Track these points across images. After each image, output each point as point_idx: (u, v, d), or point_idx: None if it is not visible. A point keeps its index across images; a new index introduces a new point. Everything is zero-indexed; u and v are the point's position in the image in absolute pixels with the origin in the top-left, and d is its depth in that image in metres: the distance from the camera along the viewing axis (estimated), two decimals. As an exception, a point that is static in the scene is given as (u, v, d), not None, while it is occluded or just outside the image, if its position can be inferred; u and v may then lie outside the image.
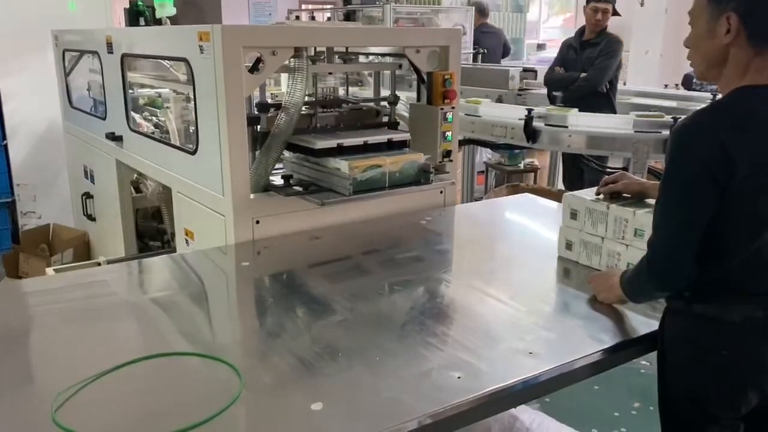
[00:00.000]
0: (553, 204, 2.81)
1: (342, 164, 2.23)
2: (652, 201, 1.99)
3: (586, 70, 4.72)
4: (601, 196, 2.07)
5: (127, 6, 3.84)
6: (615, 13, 4.77)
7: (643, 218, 1.91)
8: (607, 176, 2.12)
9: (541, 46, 10.10)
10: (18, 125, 4.70)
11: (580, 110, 4.15)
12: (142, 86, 3.72)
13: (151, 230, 3.53)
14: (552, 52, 9.55)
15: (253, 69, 2.25)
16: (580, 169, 4.78)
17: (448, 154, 2.67)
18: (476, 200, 5.28)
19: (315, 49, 2.58)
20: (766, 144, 1.41)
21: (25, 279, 3.57)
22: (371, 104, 2.81)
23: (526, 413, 2.45)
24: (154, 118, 3.46)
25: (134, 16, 3.77)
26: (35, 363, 1.63)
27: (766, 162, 1.41)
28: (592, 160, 4.33)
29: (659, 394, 1.66)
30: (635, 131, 3.86)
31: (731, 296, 1.50)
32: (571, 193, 2.19)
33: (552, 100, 5.28)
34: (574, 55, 4.90)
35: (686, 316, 1.56)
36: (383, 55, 2.90)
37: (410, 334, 1.69)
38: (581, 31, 4.95)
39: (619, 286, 1.71)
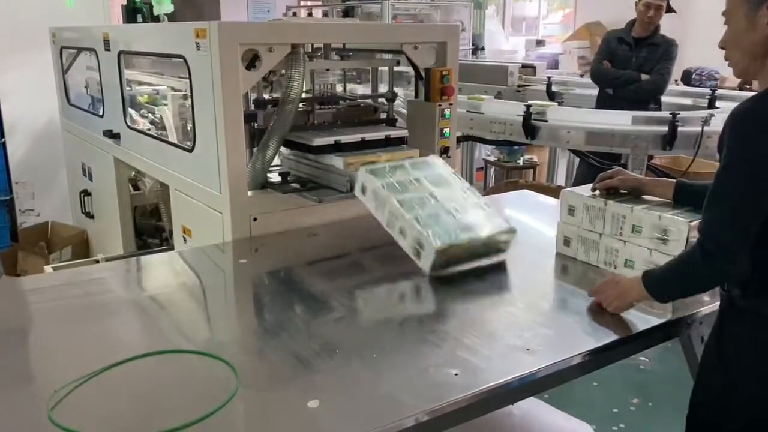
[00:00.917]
0: (552, 200, 2.81)
1: (339, 161, 2.22)
2: (649, 197, 1.99)
3: (644, 69, 4.49)
4: (597, 192, 2.07)
5: (125, 3, 3.83)
6: (669, 9, 4.50)
7: (641, 214, 1.90)
8: (602, 172, 2.11)
9: (540, 42, 10.10)
10: (16, 123, 4.69)
11: (631, 109, 4.05)
12: (140, 83, 3.72)
13: (150, 228, 3.53)
14: (551, 49, 9.55)
15: (250, 66, 2.24)
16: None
17: (446, 150, 2.67)
18: (475, 197, 5.27)
19: (312, 45, 2.58)
20: None
21: (23, 277, 3.57)
22: (369, 101, 2.80)
23: (524, 401, 2.45)
24: (151, 115, 3.46)
25: (132, 13, 3.75)
26: (33, 360, 1.63)
27: None
28: (591, 157, 4.32)
29: (700, 398, 1.62)
30: (634, 127, 3.86)
31: None
32: (569, 189, 2.18)
33: (551, 96, 5.27)
34: (627, 51, 4.61)
35: (753, 314, 1.50)
36: (381, 51, 2.90)
37: (408, 332, 1.69)
38: (630, 26, 4.67)
39: (631, 291, 1.66)
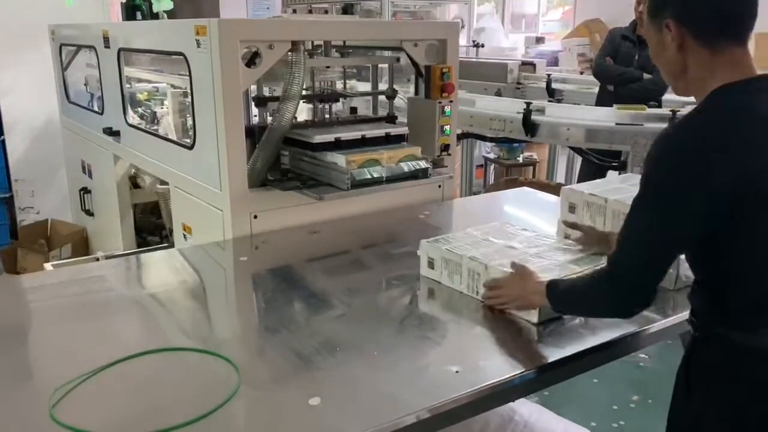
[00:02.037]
0: (552, 197, 2.81)
1: (339, 158, 2.22)
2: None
3: (646, 68, 4.44)
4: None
5: (124, 0, 3.83)
6: None
7: (642, 212, 1.90)
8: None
9: (539, 40, 10.08)
10: (15, 120, 4.69)
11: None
12: (140, 81, 3.71)
13: (150, 225, 3.53)
14: (551, 46, 9.53)
15: (250, 63, 2.24)
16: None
17: (446, 148, 2.67)
18: (475, 194, 5.28)
19: (312, 43, 2.57)
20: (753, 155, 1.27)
21: (23, 274, 3.57)
22: (369, 98, 2.80)
23: (524, 406, 2.46)
24: (150, 112, 3.45)
25: (131, 11, 3.75)
26: (33, 359, 1.62)
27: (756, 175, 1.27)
28: (590, 154, 4.32)
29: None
30: (633, 124, 3.85)
31: None
32: (569, 186, 2.18)
33: (551, 93, 5.26)
34: (630, 49, 4.59)
35: (724, 346, 1.36)
36: (381, 48, 2.89)
37: (408, 329, 1.69)
38: (635, 24, 4.64)
39: (535, 295, 1.60)
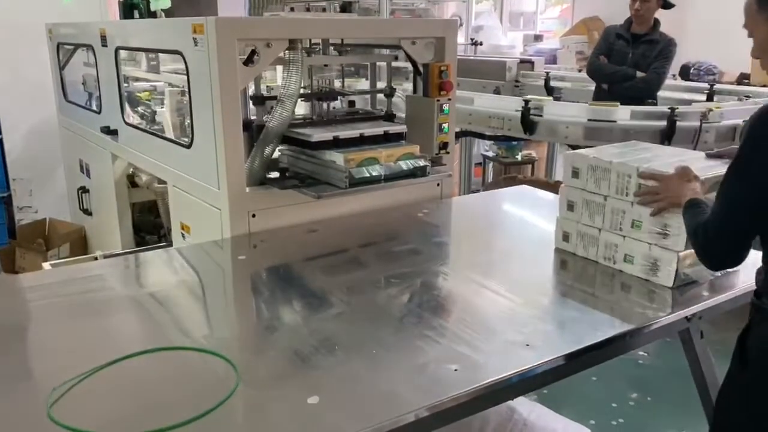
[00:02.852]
0: (551, 195, 2.81)
1: (338, 157, 2.22)
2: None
3: (640, 66, 4.44)
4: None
5: (122, -1, 3.81)
6: (666, 5, 4.41)
7: (640, 209, 1.90)
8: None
9: (538, 38, 10.07)
10: (13, 120, 4.68)
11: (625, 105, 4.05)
12: (137, 79, 3.71)
13: (148, 224, 3.53)
14: (549, 44, 9.52)
15: (248, 61, 2.23)
16: None
17: (444, 146, 2.66)
18: (474, 192, 5.28)
19: (310, 41, 2.57)
20: None
21: (21, 274, 3.56)
22: (367, 96, 2.79)
23: (523, 405, 2.46)
24: (148, 111, 3.44)
25: (129, 9, 3.74)
26: (31, 358, 1.62)
27: None
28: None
29: (722, 401, 1.60)
30: (632, 122, 3.85)
31: None
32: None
33: (549, 91, 5.26)
34: (624, 47, 4.56)
35: None
36: (379, 46, 2.89)
37: (407, 327, 1.69)
38: (630, 22, 4.60)
39: (685, 200, 1.71)
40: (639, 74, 4.44)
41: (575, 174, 2.08)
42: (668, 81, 4.78)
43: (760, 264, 1.55)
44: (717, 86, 4.95)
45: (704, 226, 1.56)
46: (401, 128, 2.51)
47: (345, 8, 2.90)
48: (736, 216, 1.50)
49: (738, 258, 1.53)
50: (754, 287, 1.57)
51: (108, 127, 3.21)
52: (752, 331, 1.53)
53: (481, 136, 4.88)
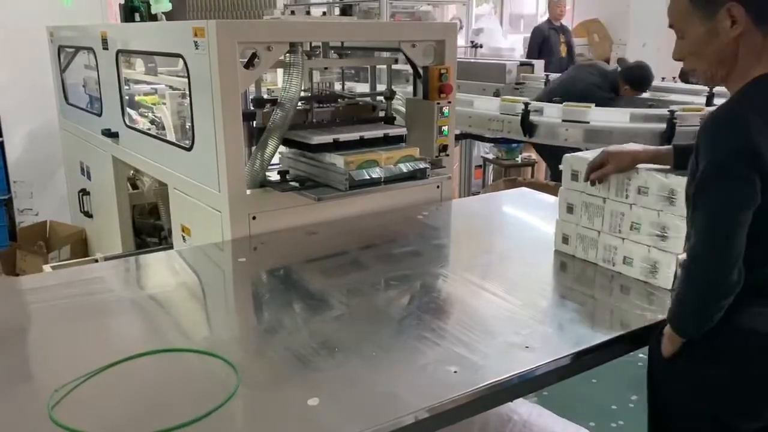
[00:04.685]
0: (550, 198, 2.81)
1: (338, 159, 2.23)
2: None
3: (570, 51, 4.81)
4: (594, 183, 1.98)
5: (123, 1, 3.82)
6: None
7: (640, 212, 1.91)
8: (591, 161, 1.96)
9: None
10: (14, 122, 4.69)
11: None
12: (138, 82, 3.71)
13: (148, 227, 3.53)
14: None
15: (249, 64, 2.24)
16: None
17: (444, 148, 2.67)
18: (473, 195, 5.28)
19: (311, 44, 2.58)
20: None
21: (22, 276, 3.57)
22: (367, 99, 2.80)
23: (523, 406, 2.46)
24: (149, 114, 3.45)
25: (129, 12, 3.74)
26: (32, 360, 1.63)
27: None
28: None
29: (657, 401, 1.58)
30: (632, 124, 3.86)
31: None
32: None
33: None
34: (555, 36, 4.96)
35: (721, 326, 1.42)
36: (379, 49, 2.90)
37: (407, 329, 1.69)
38: (549, 20, 4.97)
39: (672, 332, 1.51)
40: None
41: (574, 177, 2.09)
42: (668, 84, 4.80)
43: None
44: (716, 89, 4.95)
45: (694, 266, 1.44)
46: (401, 131, 2.51)
47: (345, 11, 2.91)
48: (727, 231, 1.38)
49: (739, 279, 1.40)
50: None
51: (109, 130, 3.22)
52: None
53: (481, 139, 4.89)
